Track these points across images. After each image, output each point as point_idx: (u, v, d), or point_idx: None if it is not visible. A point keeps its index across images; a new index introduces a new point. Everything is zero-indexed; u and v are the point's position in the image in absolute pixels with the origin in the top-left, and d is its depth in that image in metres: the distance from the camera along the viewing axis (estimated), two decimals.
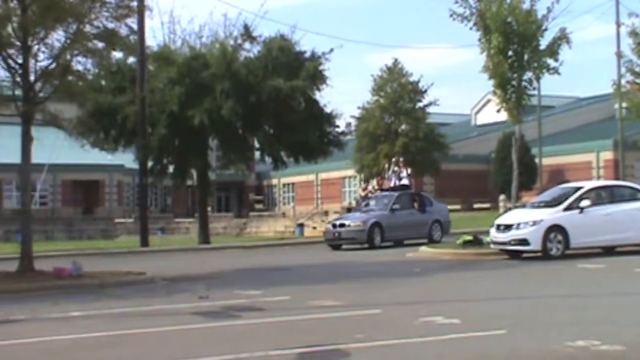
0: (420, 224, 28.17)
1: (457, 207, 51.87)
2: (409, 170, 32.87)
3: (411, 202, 28.68)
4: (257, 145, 34.63)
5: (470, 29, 23.70)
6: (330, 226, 28.43)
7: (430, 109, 49.32)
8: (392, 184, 31.64)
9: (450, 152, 50.00)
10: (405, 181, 31.44)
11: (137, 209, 41.32)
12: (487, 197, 52.54)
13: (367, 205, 29.90)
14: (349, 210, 34.48)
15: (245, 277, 18.44)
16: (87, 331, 10.92)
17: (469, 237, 23.01)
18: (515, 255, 20.51)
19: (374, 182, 33.97)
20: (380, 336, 9.74)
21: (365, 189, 33.09)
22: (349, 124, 40.17)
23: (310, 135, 32.16)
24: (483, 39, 23.61)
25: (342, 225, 27.56)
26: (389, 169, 32.98)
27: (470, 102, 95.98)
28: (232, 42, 32.26)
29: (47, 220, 53.14)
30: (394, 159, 33.63)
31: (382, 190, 32.81)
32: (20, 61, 17.79)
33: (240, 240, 37.65)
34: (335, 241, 27.53)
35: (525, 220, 20.26)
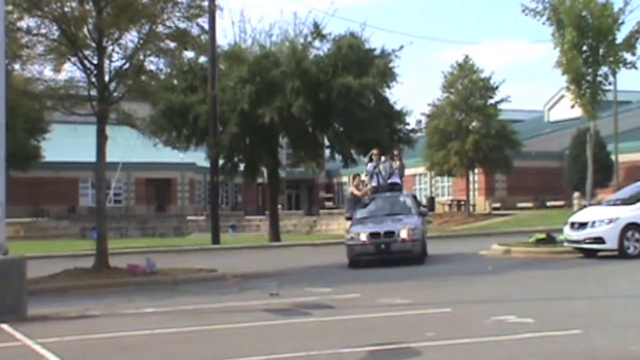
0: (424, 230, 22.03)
1: (529, 204, 51.18)
2: (402, 164, 23.69)
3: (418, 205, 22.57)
4: (327, 142, 34.66)
5: (543, 23, 23.32)
6: (362, 237, 20.05)
7: (502, 106, 48.60)
8: (374, 183, 22.64)
9: (523, 149, 49.17)
10: (396, 179, 22.87)
11: (209, 206, 41.82)
12: (560, 194, 51.55)
13: (364, 206, 22.08)
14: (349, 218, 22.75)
15: (315, 275, 18.48)
16: (161, 327, 11.11)
17: (542, 235, 22.61)
18: (590, 253, 20.06)
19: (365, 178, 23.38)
20: (451, 335, 9.65)
21: (357, 185, 22.70)
22: (419, 121, 39.93)
23: (380, 133, 32.03)
24: (556, 33, 23.17)
25: (389, 233, 19.92)
26: (372, 161, 23.31)
27: (543, 98, 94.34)
28: (302, 40, 32.39)
29: (121, 218, 54.27)
30: (374, 151, 23.83)
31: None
32: (95, 62, 18.17)
33: (310, 238, 37.76)
34: (375, 255, 19.92)
35: (601, 218, 19.80)
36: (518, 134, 48.97)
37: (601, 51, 23.11)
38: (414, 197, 23.88)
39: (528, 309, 11.58)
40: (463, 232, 35.46)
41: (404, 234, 19.86)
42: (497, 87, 47.86)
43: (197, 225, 53.59)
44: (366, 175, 23.26)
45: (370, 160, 23.53)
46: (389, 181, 22.76)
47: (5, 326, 11.71)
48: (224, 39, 34.45)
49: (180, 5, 18.55)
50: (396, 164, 23.23)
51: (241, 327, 11.06)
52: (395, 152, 24.25)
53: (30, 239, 40.89)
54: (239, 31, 34.43)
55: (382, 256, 19.93)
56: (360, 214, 21.80)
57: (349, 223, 22.00)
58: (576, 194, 43.28)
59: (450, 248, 24.85)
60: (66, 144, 46.16)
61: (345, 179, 72.59)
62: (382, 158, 23.62)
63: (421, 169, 54.97)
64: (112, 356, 9.51)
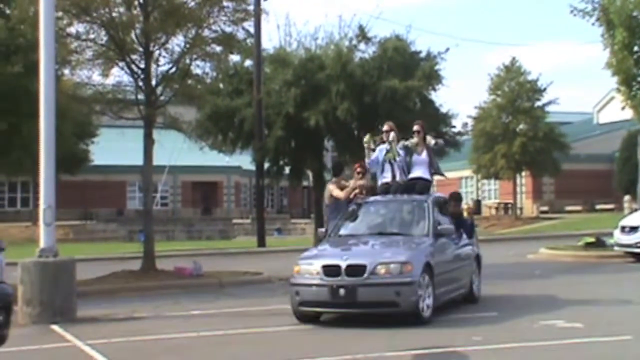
0: (468, 262, 13.57)
1: (578, 207, 50.49)
2: (429, 147, 13.77)
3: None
4: (372, 146, 34.55)
5: (593, 24, 22.99)
6: (312, 272, 11.45)
7: (550, 108, 48.11)
8: (386, 178, 13.82)
9: (571, 151, 48.61)
10: (421, 171, 13.59)
11: (254, 209, 41.99)
12: (610, 197, 50.83)
13: (349, 218, 13.17)
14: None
15: None
16: (207, 329, 11.16)
17: (591, 239, 22.27)
18: None
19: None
20: (498, 339, 9.54)
21: (339, 181, 14.83)
22: (465, 124, 39.62)
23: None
24: (606, 34, 22.83)
25: (355, 268, 11.05)
26: (376, 144, 14.60)
27: (593, 100, 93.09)
28: (347, 43, 32.31)
29: (168, 221, 54.75)
30: (385, 126, 14.49)
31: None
32: (142, 66, 18.35)
33: None
34: (331, 307, 11.41)
35: None
36: (566, 137, 48.40)
37: None
38: (444, 202, 13.56)
39: (577, 314, 11.41)
40: (510, 236, 35.11)
41: (382, 270, 11.02)
42: (544, 89, 47.41)
43: (242, 228, 53.82)
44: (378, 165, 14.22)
45: (382, 142, 14.36)
46: (410, 175, 13.53)
47: (55, 327, 11.89)
48: (269, 42, 34.94)
49: (226, 10, 18.66)
50: (418, 145, 13.62)
51: (286, 330, 11.07)
52: (415, 127, 13.92)
53: (79, 242, 41.50)
54: (284, 35, 34.46)
55: (342, 309, 11.40)
56: (335, 230, 13.05)
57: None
58: (627, 197, 42.65)
59: (497, 252, 24.59)
60: (114, 147, 46.70)
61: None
62: (392, 137, 13.93)
63: (467, 172, 54.59)
64: (159, 357, 9.59)
